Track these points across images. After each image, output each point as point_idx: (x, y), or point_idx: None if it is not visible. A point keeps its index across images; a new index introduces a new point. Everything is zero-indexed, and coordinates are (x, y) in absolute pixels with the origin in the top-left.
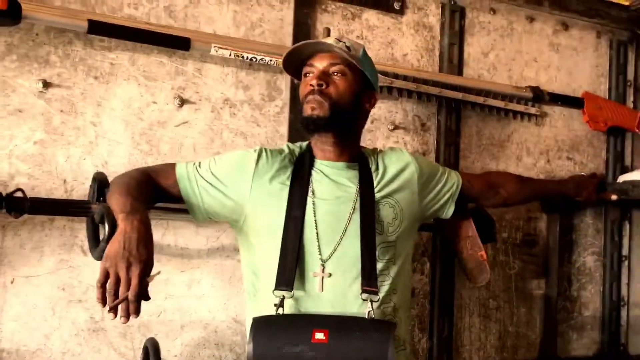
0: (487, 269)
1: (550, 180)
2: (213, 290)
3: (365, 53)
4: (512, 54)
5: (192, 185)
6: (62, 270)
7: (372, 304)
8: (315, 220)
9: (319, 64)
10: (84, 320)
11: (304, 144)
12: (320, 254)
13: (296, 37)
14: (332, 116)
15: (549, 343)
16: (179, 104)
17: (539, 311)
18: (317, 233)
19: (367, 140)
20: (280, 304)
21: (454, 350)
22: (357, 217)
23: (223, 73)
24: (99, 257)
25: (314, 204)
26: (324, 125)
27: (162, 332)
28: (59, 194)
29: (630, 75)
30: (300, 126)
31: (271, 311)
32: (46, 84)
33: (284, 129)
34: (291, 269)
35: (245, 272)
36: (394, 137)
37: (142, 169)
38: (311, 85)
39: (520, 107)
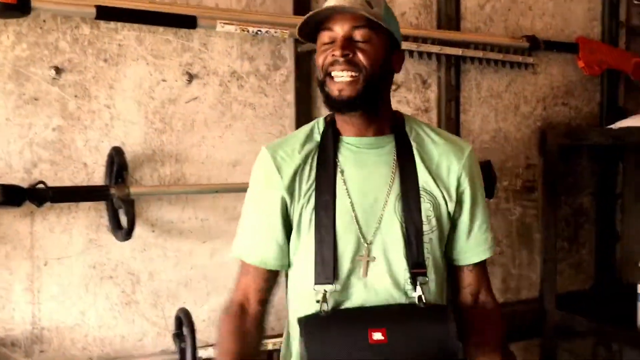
0: None
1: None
2: (234, 257)
3: (387, 6)
4: (507, 3)
5: (268, 251)
6: (92, 250)
7: (422, 287)
8: (350, 202)
9: (339, 28)
10: (116, 295)
11: (320, 120)
12: (363, 236)
13: (297, 4)
14: (364, 94)
15: (549, 281)
16: (187, 80)
17: (539, 253)
18: (354, 215)
19: None
20: (323, 299)
21: None
22: (395, 193)
23: (228, 46)
24: (122, 239)
25: (345, 183)
26: (355, 106)
27: (190, 300)
28: (81, 177)
29: (622, 16)
30: (325, 104)
31: (312, 307)
32: (58, 70)
33: (290, 97)
34: (329, 260)
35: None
36: (397, 97)
37: (237, 314)
38: (334, 55)
39: (518, 58)
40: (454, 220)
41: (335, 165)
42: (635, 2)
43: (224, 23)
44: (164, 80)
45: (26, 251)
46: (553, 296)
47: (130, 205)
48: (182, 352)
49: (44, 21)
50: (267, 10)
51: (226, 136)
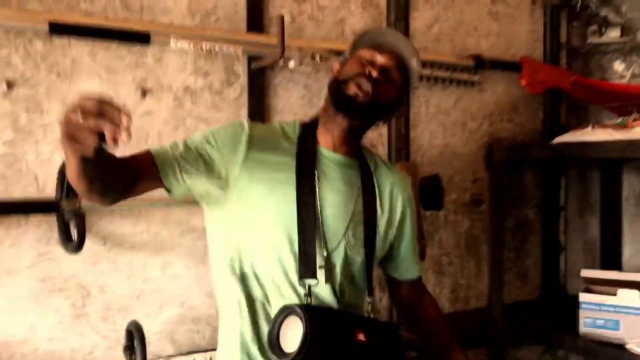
0: (424, 254)
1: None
2: (186, 270)
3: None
4: (454, 24)
5: (170, 159)
6: (42, 263)
7: (371, 306)
8: (320, 207)
9: (387, 57)
10: (67, 308)
11: (296, 123)
12: (325, 245)
13: (250, 21)
14: (367, 107)
15: (496, 291)
16: (141, 95)
17: (486, 263)
18: (321, 223)
19: None
20: (309, 294)
21: None
22: (356, 216)
23: (182, 62)
24: (72, 252)
25: (318, 189)
26: (359, 113)
27: (142, 313)
28: (32, 190)
29: (563, 38)
30: (332, 99)
31: (286, 300)
32: (10, 85)
33: (244, 112)
34: (313, 257)
35: (227, 255)
36: None
37: None
38: (369, 72)
39: (464, 76)
40: (392, 244)
41: (314, 169)
42: (575, 24)
43: (178, 39)
44: (117, 95)
45: None
46: (499, 305)
47: (80, 218)
48: None
49: None
50: (221, 27)
51: None
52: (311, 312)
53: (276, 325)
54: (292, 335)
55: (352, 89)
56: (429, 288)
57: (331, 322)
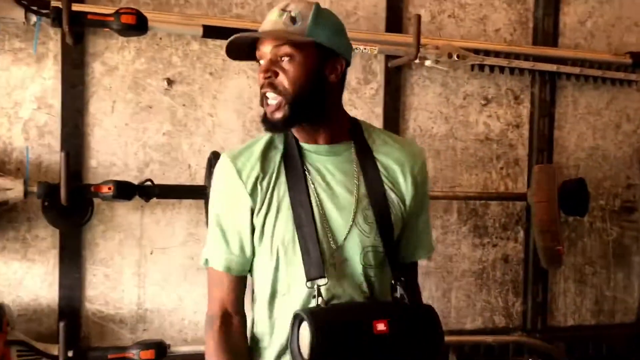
0: (562, 261)
1: None
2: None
3: (317, 15)
4: (611, 20)
5: (238, 258)
6: (190, 242)
7: (401, 289)
8: (319, 203)
9: (265, 49)
10: None
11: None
12: (334, 239)
13: (389, 21)
14: (291, 115)
15: None
16: None
17: (637, 276)
18: (326, 217)
19: (460, 116)
20: (319, 294)
21: (548, 313)
22: (361, 201)
23: None
24: None
25: (315, 189)
26: (284, 127)
27: None
28: (184, 177)
29: None
30: (261, 122)
31: (298, 305)
32: (170, 82)
33: (379, 110)
34: (317, 256)
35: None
36: (486, 112)
37: (217, 327)
38: (260, 83)
39: (620, 74)
40: (407, 222)
41: (304, 172)
42: None
43: None
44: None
45: (136, 240)
46: None
47: None
48: None
49: (160, 39)
50: (359, 27)
51: None
52: (316, 314)
53: (295, 333)
54: (306, 340)
55: (267, 111)
56: (569, 297)
57: (341, 319)
